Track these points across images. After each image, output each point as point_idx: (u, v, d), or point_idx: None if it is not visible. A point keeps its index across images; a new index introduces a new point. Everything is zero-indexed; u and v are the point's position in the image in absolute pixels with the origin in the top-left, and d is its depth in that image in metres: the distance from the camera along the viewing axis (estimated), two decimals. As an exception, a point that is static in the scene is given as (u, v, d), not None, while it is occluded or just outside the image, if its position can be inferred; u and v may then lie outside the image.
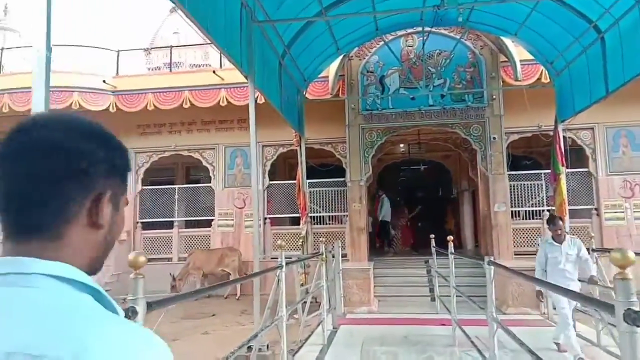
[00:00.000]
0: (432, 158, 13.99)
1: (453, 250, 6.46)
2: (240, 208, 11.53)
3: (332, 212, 11.34)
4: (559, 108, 8.80)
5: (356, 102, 10.08)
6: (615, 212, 10.44)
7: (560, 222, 5.54)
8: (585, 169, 10.82)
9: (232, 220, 11.53)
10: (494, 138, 9.64)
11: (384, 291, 9.79)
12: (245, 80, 6.92)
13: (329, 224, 11.46)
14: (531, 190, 10.93)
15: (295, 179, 9.58)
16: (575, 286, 5.24)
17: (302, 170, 9.19)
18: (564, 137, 9.04)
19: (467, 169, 13.74)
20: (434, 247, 8.21)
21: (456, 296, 6.45)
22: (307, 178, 9.60)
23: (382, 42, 9.80)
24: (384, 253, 12.51)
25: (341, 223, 11.27)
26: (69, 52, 12.30)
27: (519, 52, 9.61)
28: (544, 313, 7.87)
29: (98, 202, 0.70)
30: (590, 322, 6.28)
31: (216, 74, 10.84)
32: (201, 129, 12.02)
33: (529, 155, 13.35)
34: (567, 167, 8.97)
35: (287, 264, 4.72)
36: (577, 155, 10.77)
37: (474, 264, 10.33)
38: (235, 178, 11.64)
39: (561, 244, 5.42)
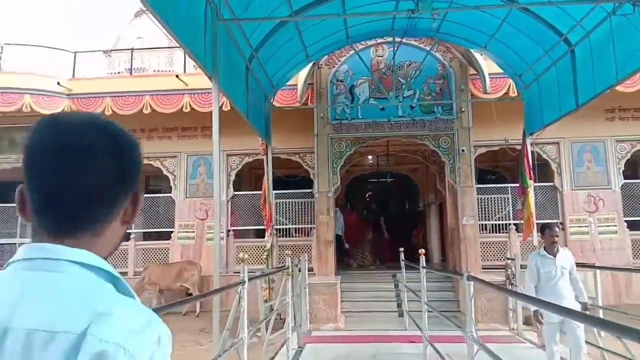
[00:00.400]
0: (400, 170, 13.88)
1: (425, 264, 6.21)
2: (202, 219, 11.02)
3: (298, 224, 10.99)
4: (527, 121, 8.79)
5: (325, 111, 9.83)
6: (580, 227, 10.53)
7: (557, 229, 4.82)
8: (551, 183, 10.90)
9: (193, 232, 11.00)
10: (463, 150, 9.56)
11: (350, 307, 9.47)
12: (210, 87, 6.63)
13: (296, 236, 11.09)
14: (498, 203, 10.91)
15: (261, 190, 9.19)
16: (575, 308, 4.39)
17: (268, 180, 8.81)
18: (531, 151, 9.03)
19: (435, 182, 13.65)
20: (403, 260, 7.97)
21: (427, 312, 6.18)
22: (274, 189, 9.23)
23: (352, 51, 9.62)
24: (351, 267, 12.23)
25: (308, 236, 10.92)
26: (22, 52, 11.60)
27: (487, 65, 9.62)
28: (513, 329, 7.73)
29: (135, 203, 0.79)
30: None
31: (179, 79, 10.39)
32: (162, 136, 11.48)
33: (494, 170, 13.42)
34: (534, 181, 8.96)
35: (250, 279, 4.34)
36: (542, 170, 10.84)
37: (443, 278, 10.17)
38: (197, 188, 11.14)
39: (555, 256, 4.64)
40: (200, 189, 11.12)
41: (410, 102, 9.76)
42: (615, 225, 10.40)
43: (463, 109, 9.70)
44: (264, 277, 7.56)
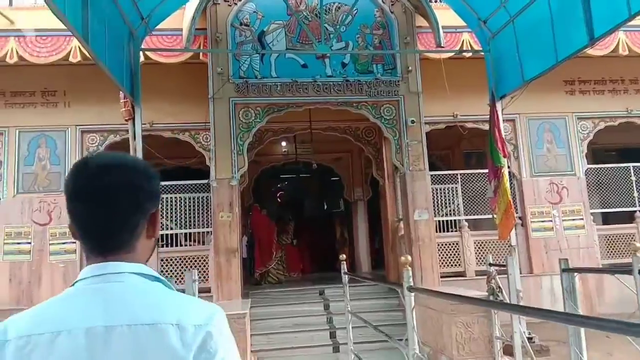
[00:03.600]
0: (321, 161, 11.26)
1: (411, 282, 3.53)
2: (43, 224, 7.49)
3: (189, 227, 7.89)
4: (497, 81, 6.64)
5: (225, 65, 6.95)
6: (543, 222, 8.63)
7: None
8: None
9: (29, 243, 7.43)
10: (412, 122, 7.21)
11: (265, 342, 6.66)
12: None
13: (186, 245, 8.00)
14: (445, 195, 8.70)
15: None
16: None
17: (137, 160, 5.72)
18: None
19: (362, 174, 11.34)
20: (345, 273, 5.30)
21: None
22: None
23: (262, -17, 6.89)
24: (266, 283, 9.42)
25: (203, 243, 7.90)
26: None
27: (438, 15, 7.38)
28: (501, 364, 5.38)
29: (153, 221, 0.99)
30: None
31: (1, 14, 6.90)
32: (-20, 104, 7.83)
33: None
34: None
35: None
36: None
37: (384, 293, 7.74)
38: (35, 179, 7.56)
39: None
40: (40, 180, 7.57)
41: (342, 58, 7.22)
42: (582, 219, 8.65)
43: (410, 69, 7.35)
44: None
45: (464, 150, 11.31)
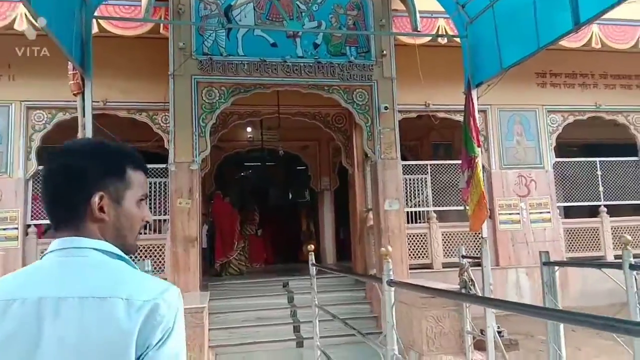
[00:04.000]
0: (287, 149, 10.84)
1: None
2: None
3: (144, 214, 7.36)
4: (474, 68, 6.41)
5: (187, 39, 6.44)
6: (510, 214, 8.57)
7: None
8: (475, 161, 8.78)
9: (-36, 229, 6.76)
10: (386, 108, 6.90)
11: (225, 337, 6.26)
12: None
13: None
14: (414, 185, 8.50)
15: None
16: None
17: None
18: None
19: (329, 163, 11.04)
20: (313, 264, 4.95)
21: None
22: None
23: (230, -48, 6.40)
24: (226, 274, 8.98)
25: (159, 232, 7.40)
26: None
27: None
28: (472, 360, 5.19)
29: (92, 205, 0.98)
30: None
31: None
32: None
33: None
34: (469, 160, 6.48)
35: None
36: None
37: (352, 285, 7.48)
38: (-29, 158, 6.89)
39: None
40: (-24, 160, 6.89)
41: (314, 38, 6.83)
42: (549, 212, 8.63)
43: (385, 52, 7.04)
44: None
45: (433, 142, 11.21)
